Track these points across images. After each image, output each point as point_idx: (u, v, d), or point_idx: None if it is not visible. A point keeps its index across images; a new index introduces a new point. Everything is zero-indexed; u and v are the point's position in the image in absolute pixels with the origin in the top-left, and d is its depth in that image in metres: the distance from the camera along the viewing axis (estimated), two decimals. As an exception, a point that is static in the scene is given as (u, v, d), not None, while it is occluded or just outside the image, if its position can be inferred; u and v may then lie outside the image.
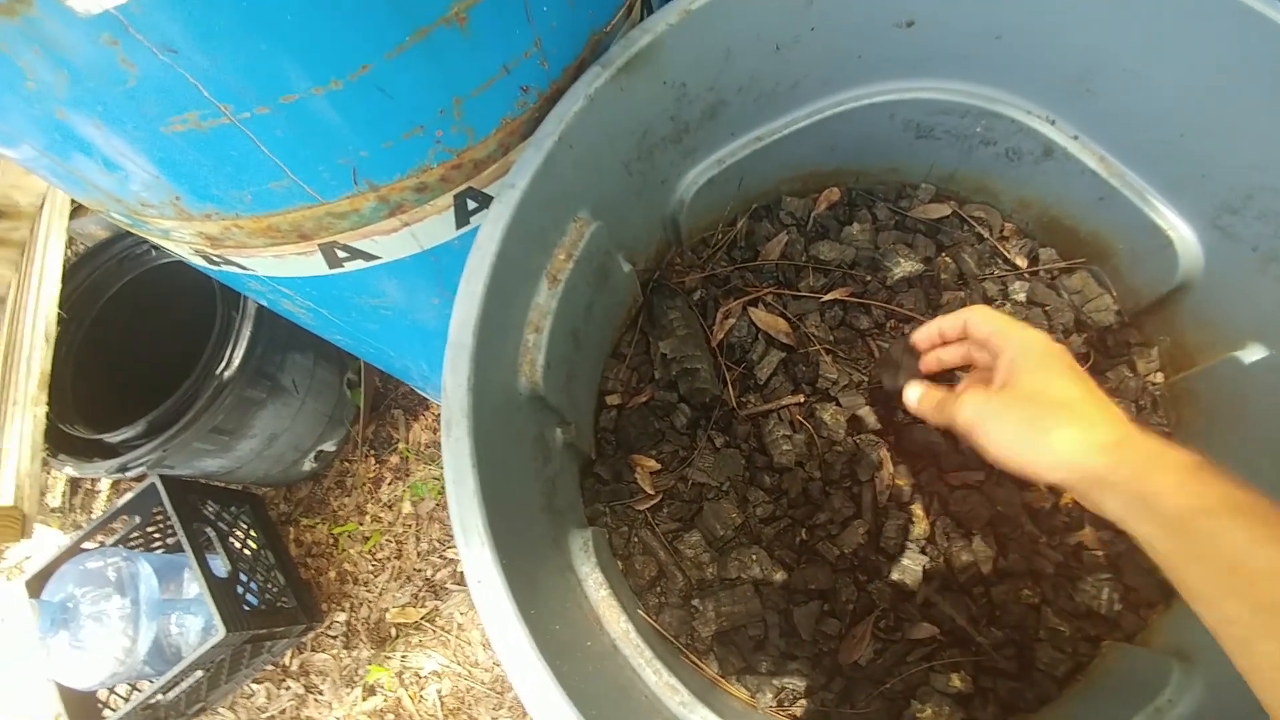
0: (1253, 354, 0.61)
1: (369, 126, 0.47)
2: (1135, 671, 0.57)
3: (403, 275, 0.65)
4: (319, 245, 0.57)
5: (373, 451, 1.42)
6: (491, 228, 0.49)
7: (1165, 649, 0.59)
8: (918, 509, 0.66)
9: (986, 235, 0.76)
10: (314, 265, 0.60)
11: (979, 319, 0.50)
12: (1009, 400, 0.44)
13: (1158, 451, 0.38)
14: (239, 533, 1.26)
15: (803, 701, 0.63)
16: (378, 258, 0.61)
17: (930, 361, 0.55)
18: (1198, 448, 0.64)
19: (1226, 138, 0.58)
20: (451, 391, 0.44)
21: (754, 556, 0.66)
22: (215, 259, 0.61)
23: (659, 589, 0.67)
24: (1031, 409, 0.43)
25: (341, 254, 0.59)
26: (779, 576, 0.66)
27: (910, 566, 0.64)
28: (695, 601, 0.65)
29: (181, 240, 0.58)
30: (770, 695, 0.62)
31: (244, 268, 0.61)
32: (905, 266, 0.73)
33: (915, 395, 0.54)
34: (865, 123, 0.72)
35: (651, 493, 0.69)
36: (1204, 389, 0.65)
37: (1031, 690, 0.61)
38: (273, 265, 0.60)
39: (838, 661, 0.63)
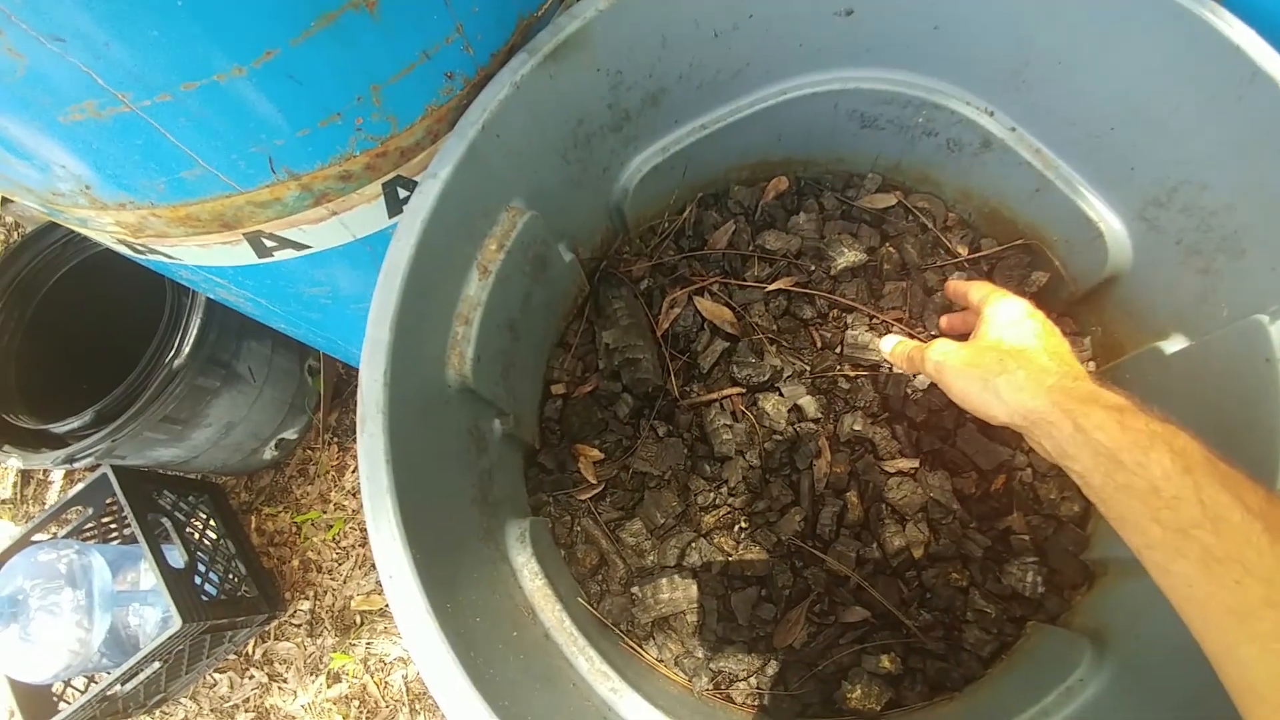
0: (1174, 344, 0.62)
1: (281, 114, 0.46)
2: (1053, 651, 0.59)
3: (337, 264, 0.64)
4: (244, 235, 0.56)
5: (336, 439, 1.41)
6: (411, 219, 0.48)
7: (1084, 630, 0.61)
8: (853, 496, 0.67)
9: (930, 225, 0.76)
10: (242, 254, 0.59)
11: (976, 288, 0.56)
12: (970, 348, 0.49)
13: (1093, 394, 0.42)
14: (197, 522, 1.25)
15: (739, 684, 0.64)
16: (309, 247, 0.60)
17: (942, 324, 0.64)
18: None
19: (1152, 133, 0.58)
20: (367, 387, 0.44)
21: (693, 544, 0.67)
22: (139, 248, 0.59)
23: (600, 577, 0.68)
24: (987, 356, 0.47)
25: (270, 243, 0.58)
26: (718, 563, 0.67)
27: (844, 552, 0.65)
28: (635, 589, 0.66)
29: (100, 229, 0.57)
30: (706, 679, 0.64)
31: (170, 256, 0.60)
32: (849, 256, 0.74)
33: (890, 344, 0.59)
34: (810, 112, 0.72)
35: (594, 482, 0.69)
36: (1131, 378, 0.67)
37: (958, 670, 0.63)
38: (199, 254, 0.59)
39: (773, 645, 0.64)
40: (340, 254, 0.62)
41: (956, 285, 0.60)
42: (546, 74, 0.54)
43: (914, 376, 0.69)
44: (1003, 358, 0.46)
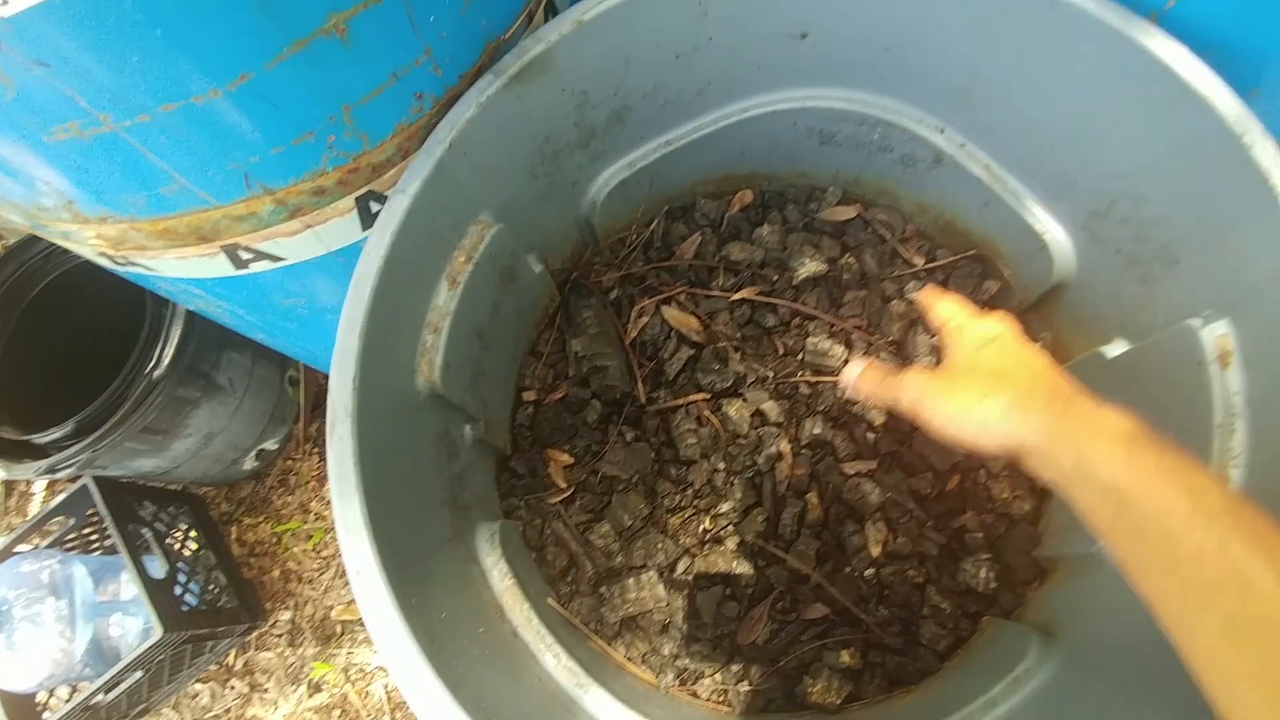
0: (1115, 349, 0.65)
1: (256, 133, 0.49)
2: (1003, 644, 0.62)
3: (312, 276, 0.66)
4: (221, 247, 0.58)
5: (316, 449, 1.42)
6: (380, 232, 0.50)
7: (1035, 624, 0.63)
8: (813, 497, 0.69)
9: (888, 237, 0.80)
10: (219, 266, 0.61)
11: (938, 309, 0.51)
12: (946, 375, 0.45)
13: (1093, 419, 0.38)
14: (178, 533, 1.25)
15: (704, 680, 0.66)
16: (284, 259, 0.62)
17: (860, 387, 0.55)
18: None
19: (1090, 148, 0.62)
20: (336, 393, 0.46)
21: (660, 545, 0.69)
22: (119, 260, 0.61)
23: (570, 578, 0.70)
24: (966, 381, 0.44)
25: (245, 255, 0.60)
26: (683, 563, 0.69)
27: (805, 551, 0.67)
28: (604, 589, 0.68)
29: (82, 242, 0.59)
30: (672, 676, 0.66)
31: (149, 268, 0.62)
32: (810, 267, 0.77)
33: (855, 371, 0.52)
34: (771, 129, 0.75)
35: (564, 486, 0.71)
36: (1078, 381, 0.70)
37: (915, 664, 0.65)
38: (177, 266, 0.61)
39: (737, 642, 0.67)
40: (315, 266, 0.64)
41: (922, 299, 0.55)
42: (512, 94, 0.57)
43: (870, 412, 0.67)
44: (981, 383, 0.43)
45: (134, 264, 0.62)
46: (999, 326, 0.47)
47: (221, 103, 0.46)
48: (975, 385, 0.43)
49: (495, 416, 0.70)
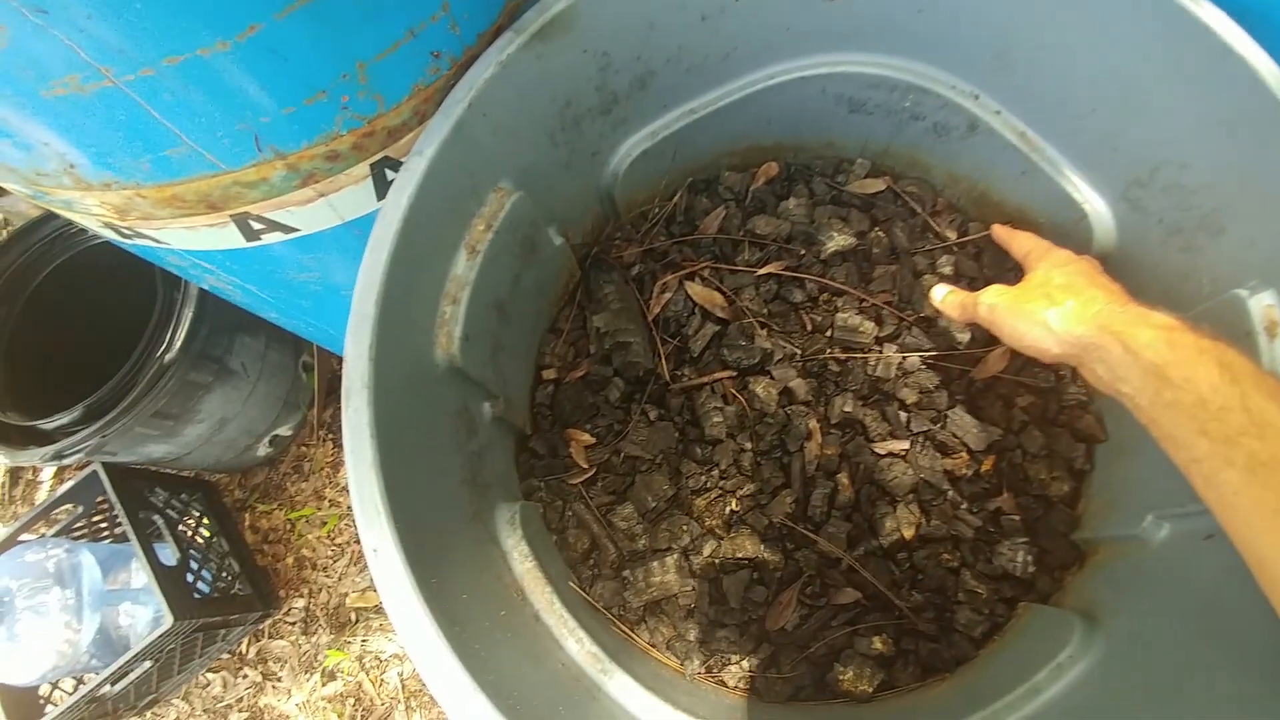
0: (1161, 322, 0.62)
1: (265, 90, 0.46)
2: (1044, 630, 0.59)
3: (326, 248, 0.64)
4: (231, 216, 0.56)
5: (330, 435, 1.40)
6: (398, 195, 0.48)
7: (1074, 608, 0.61)
8: (844, 478, 0.67)
9: (919, 210, 0.77)
10: (229, 238, 0.59)
11: (1020, 241, 0.60)
12: (1020, 290, 0.52)
13: (1141, 315, 0.44)
14: (190, 520, 1.24)
15: (731, 667, 0.64)
16: (296, 230, 0.60)
17: (935, 297, 0.65)
18: (1111, 413, 0.67)
19: (1132, 113, 0.59)
20: (352, 361, 0.44)
21: (684, 527, 0.67)
22: (125, 231, 0.59)
23: (592, 561, 0.67)
24: (1036, 293, 0.50)
25: (257, 225, 0.58)
26: (709, 546, 0.66)
27: (836, 534, 0.65)
28: (626, 572, 0.66)
29: (86, 212, 0.57)
30: (698, 662, 0.64)
31: (157, 240, 0.60)
32: (839, 240, 0.74)
33: (941, 294, 0.62)
34: (799, 96, 0.72)
35: (585, 466, 0.69)
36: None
37: (950, 651, 0.63)
38: (186, 238, 0.59)
39: (765, 628, 0.64)
40: (329, 238, 0.62)
41: (1001, 231, 0.63)
42: (533, 54, 0.54)
43: (962, 327, 0.70)
44: (1051, 294, 0.49)
45: (141, 235, 0.59)
46: (1075, 257, 0.54)
47: (229, 56, 0.43)
48: (1045, 296, 0.49)
49: (515, 394, 0.68)
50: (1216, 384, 0.38)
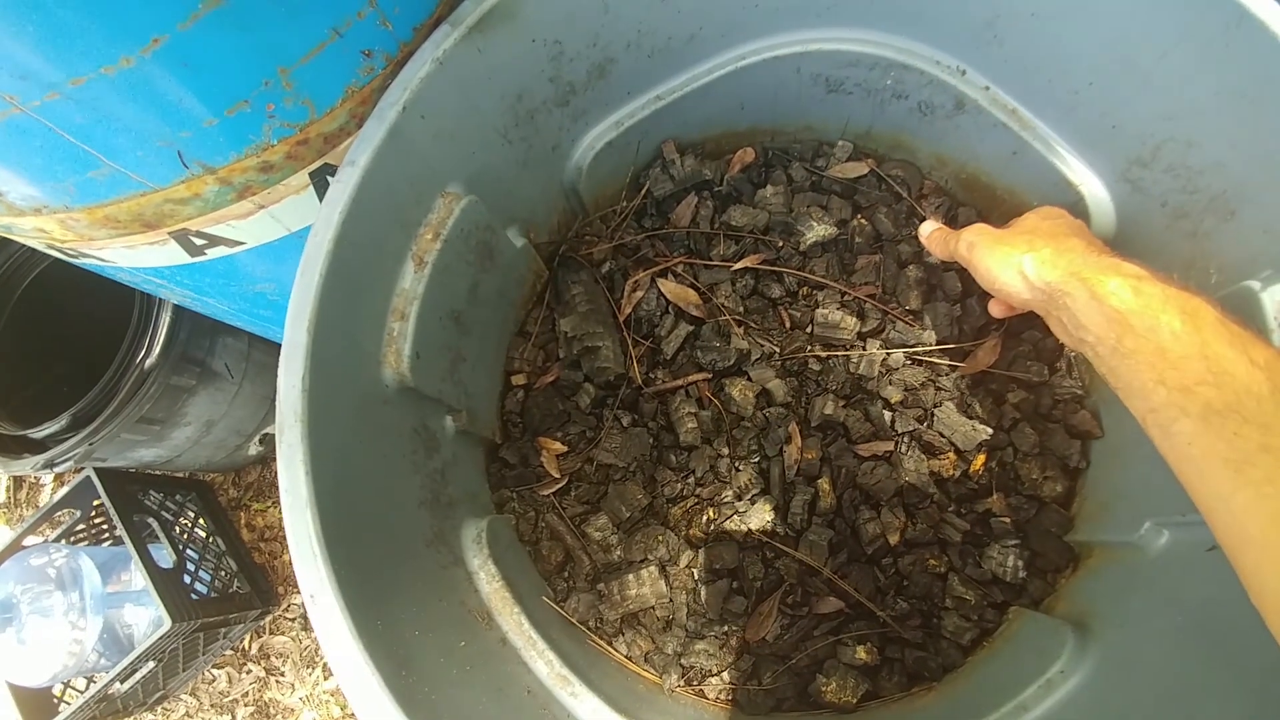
0: (1162, 312, 0.58)
1: (181, 104, 0.43)
2: (1035, 640, 0.57)
3: (276, 259, 0.61)
4: (170, 234, 0.54)
5: (321, 434, 1.40)
6: (329, 210, 0.45)
7: (1067, 616, 0.58)
8: (825, 483, 0.64)
9: (904, 194, 0.72)
10: (172, 254, 0.57)
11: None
12: (1003, 232, 0.52)
13: (1114, 264, 0.42)
14: (185, 521, 1.24)
15: (711, 679, 0.63)
16: (242, 243, 0.57)
17: (922, 232, 0.63)
18: (1108, 408, 0.63)
19: (1135, 85, 0.54)
20: (284, 394, 0.42)
21: (660, 537, 0.65)
22: (69, 252, 0.57)
23: (566, 574, 0.66)
24: (1013, 238, 0.50)
25: (199, 241, 0.56)
26: (686, 556, 0.64)
27: (817, 542, 0.63)
28: (602, 585, 0.64)
29: (24, 235, 0.54)
30: (677, 675, 0.62)
31: (101, 259, 0.58)
32: (819, 230, 0.70)
33: (928, 229, 0.61)
34: (772, 77, 0.68)
35: (557, 476, 0.67)
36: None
37: (937, 659, 0.61)
38: (129, 256, 0.56)
39: (745, 639, 0.63)
40: (277, 249, 0.59)
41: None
42: (474, 47, 0.50)
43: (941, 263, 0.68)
44: (1032, 239, 0.48)
45: (85, 255, 0.57)
46: (1064, 212, 0.53)
47: (136, 72, 0.40)
48: (1025, 240, 0.48)
49: (480, 405, 0.65)
50: (1178, 332, 0.37)
